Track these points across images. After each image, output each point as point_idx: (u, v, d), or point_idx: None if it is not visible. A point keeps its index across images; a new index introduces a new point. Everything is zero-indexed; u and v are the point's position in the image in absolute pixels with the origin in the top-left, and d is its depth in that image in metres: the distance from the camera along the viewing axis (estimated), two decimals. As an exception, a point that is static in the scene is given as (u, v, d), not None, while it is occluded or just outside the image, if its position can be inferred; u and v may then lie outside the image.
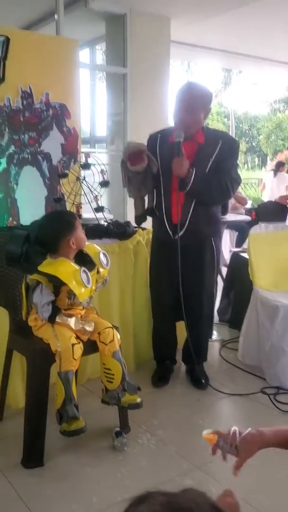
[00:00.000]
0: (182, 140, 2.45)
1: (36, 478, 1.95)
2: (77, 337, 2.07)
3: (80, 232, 2.11)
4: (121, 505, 1.82)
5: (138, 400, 2.13)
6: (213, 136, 2.57)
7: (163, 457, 2.11)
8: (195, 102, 2.47)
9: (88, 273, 2.04)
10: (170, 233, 2.58)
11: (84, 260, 2.13)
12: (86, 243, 2.19)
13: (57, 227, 2.06)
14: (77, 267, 2.02)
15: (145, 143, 2.66)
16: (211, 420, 2.42)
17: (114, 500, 1.83)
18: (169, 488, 1.92)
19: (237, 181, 2.59)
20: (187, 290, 2.63)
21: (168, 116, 5.40)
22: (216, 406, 2.59)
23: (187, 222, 2.54)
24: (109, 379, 2.11)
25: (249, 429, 1.18)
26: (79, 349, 2.03)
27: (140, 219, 2.74)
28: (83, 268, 2.02)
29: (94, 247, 2.21)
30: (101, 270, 2.16)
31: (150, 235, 2.95)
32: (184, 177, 2.45)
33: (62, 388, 1.96)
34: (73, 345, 2.00)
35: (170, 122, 5.58)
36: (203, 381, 2.74)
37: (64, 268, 1.99)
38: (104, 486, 1.91)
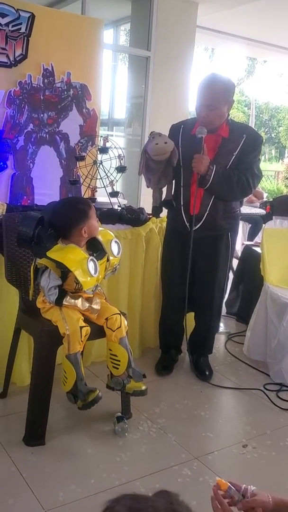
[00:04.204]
0: (204, 136, 2.41)
1: (37, 456, 1.98)
2: (85, 320, 2.08)
3: (94, 221, 2.10)
4: (118, 489, 1.86)
5: (143, 387, 2.14)
6: (238, 130, 2.53)
7: (162, 445, 2.13)
8: (217, 98, 2.42)
9: (96, 262, 2.04)
10: (187, 225, 2.57)
11: (95, 246, 2.13)
12: (100, 228, 2.19)
13: (70, 215, 2.05)
14: (86, 255, 2.01)
15: (167, 132, 2.63)
16: (213, 413, 2.44)
17: (112, 483, 1.85)
18: (166, 476, 1.95)
19: (258, 176, 2.56)
20: (199, 282, 2.62)
21: (189, 103, 5.34)
22: (218, 398, 2.60)
23: (205, 215, 2.53)
24: (115, 365, 2.12)
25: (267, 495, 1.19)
26: (86, 331, 2.04)
27: (157, 210, 2.72)
28: (91, 257, 2.02)
29: (107, 234, 2.20)
30: (111, 258, 2.15)
31: (163, 223, 2.93)
32: (204, 174, 2.43)
33: (73, 369, 1.96)
34: (81, 327, 2.01)
35: (191, 109, 5.53)
36: (207, 373, 2.75)
37: (72, 255, 1.98)
38: (103, 469, 1.93)
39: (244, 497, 1.18)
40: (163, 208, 2.72)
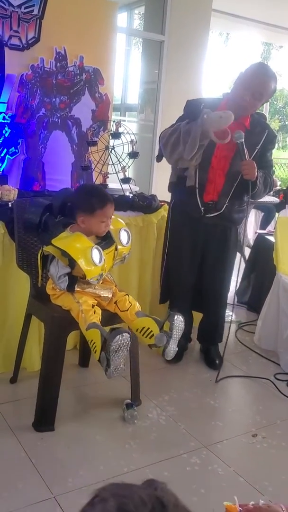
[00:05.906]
0: (243, 140, 2.35)
1: (46, 442, 1.99)
2: (97, 305, 2.07)
3: (97, 222, 2.02)
4: (127, 476, 1.86)
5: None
6: (259, 124, 2.51)
7: (172, 433, 2.13)
8: (267, 90, 2.38)
9: (101, 251, 2.00)
10: (202, 209, 2.50)
11: (105, 234, 2.09)
12: (112, 216, 2.15)
13: (80, 198, 2.04)
14: (90, 243, 1.98)
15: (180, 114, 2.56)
16: (222, 402, 2.43)
17: (120, 470, 1.85)
18: (175, 464, 1.95)
19: (274, 172, 2.64)
20: (210, 270, 2.58)
21: (202, 88, 5.25)
22: (228, 387, 2.59)
23: (224, 207, 2.48)
24: (147, 335, 2.02)
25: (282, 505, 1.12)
26: (98, 309, 2.02)
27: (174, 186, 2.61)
28: (95, 246, 1.98)
29: (118, 222, 2.16)
30: (119, 247, 2.12)
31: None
32: (255, 179, 2.40)
33: (96, 330, 1.91)
34: (93, 306, 2.01)
35: (204, 94, 5.43)
36: (217, 361, 2.73)
37: (77, 243, 1.95)
38: (112, 456, 1.93)
39: None
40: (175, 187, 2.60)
